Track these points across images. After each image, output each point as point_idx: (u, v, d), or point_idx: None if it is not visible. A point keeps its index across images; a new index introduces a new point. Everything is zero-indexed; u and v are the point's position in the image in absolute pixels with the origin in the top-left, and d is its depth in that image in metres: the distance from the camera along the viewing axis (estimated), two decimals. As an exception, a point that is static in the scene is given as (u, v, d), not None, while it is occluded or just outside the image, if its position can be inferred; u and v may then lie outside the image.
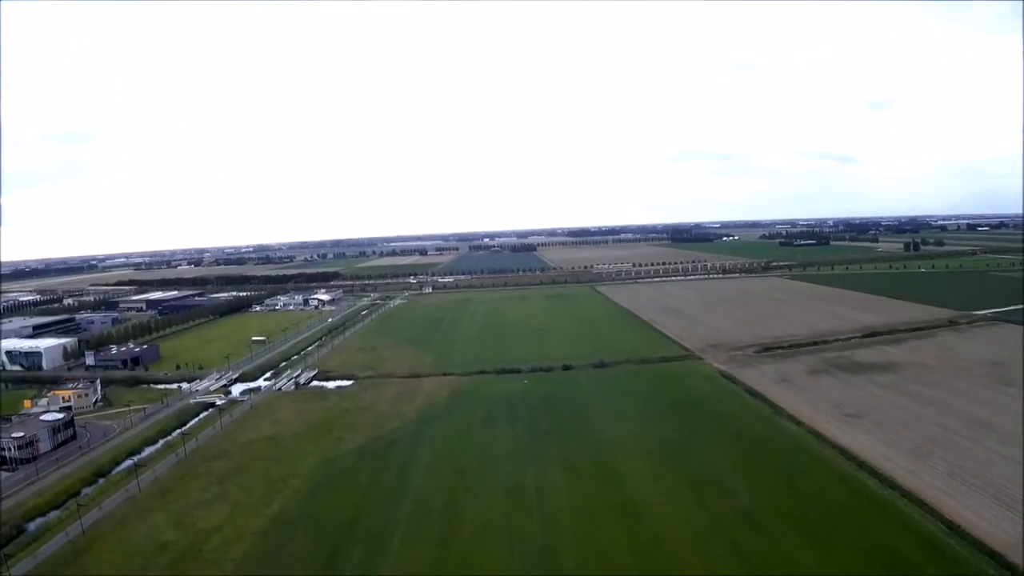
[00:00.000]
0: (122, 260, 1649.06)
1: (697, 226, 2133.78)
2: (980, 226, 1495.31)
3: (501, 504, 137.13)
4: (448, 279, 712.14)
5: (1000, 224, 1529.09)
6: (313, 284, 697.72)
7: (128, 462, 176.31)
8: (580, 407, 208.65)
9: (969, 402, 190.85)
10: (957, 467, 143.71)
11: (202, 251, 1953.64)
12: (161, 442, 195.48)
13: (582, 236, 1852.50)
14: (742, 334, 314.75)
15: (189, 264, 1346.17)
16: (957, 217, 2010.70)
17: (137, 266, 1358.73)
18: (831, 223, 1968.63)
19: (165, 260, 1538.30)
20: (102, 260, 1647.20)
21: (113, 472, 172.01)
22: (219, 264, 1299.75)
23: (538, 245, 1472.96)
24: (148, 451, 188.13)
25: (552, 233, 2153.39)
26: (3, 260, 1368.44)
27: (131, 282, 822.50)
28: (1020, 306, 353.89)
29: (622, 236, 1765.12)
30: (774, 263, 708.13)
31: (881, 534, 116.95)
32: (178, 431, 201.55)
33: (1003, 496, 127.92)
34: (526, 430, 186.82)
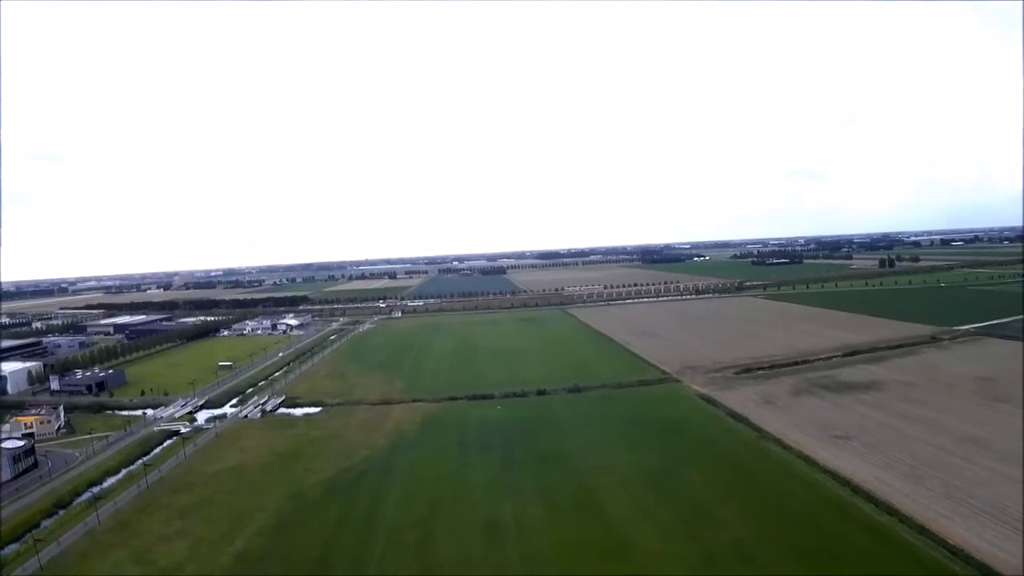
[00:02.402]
0: (93, 283, 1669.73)
1: (667, 247, 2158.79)
2: (954, 241, 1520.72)
3: (478, 540, 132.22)
4: (418, 303, 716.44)
5: (974, 239, 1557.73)
6: (282, 308, 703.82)
7: (89, 493, 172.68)
8: (557, 434, 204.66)
9: (961, 420, 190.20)
10: (955, 488, 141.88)
11: (172, 275, 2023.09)
12: (123, 472, 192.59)
13: (552, 258, 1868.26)
14: (720, 355, 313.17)
15: (159, 288, 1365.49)
16: (930, 233, 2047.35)
17: (107, 289, 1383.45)
18: (802, 241, 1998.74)
19: (135, 284, 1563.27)
20: (73, 283, 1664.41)
21: (74, 503, 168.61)
22: (188, 288, 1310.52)
23: (508, 268, 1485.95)
24: (110, 481, 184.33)
25: (521, 256, 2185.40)
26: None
27: (100, 305, 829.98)
28: (1007, 319, 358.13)
29: (592, 258, 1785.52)
30: (747, 283, 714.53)
31: (882, 563, 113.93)
32: (141, 460, 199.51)
33: (1005, 517, 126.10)
34: (501, 459, 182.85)
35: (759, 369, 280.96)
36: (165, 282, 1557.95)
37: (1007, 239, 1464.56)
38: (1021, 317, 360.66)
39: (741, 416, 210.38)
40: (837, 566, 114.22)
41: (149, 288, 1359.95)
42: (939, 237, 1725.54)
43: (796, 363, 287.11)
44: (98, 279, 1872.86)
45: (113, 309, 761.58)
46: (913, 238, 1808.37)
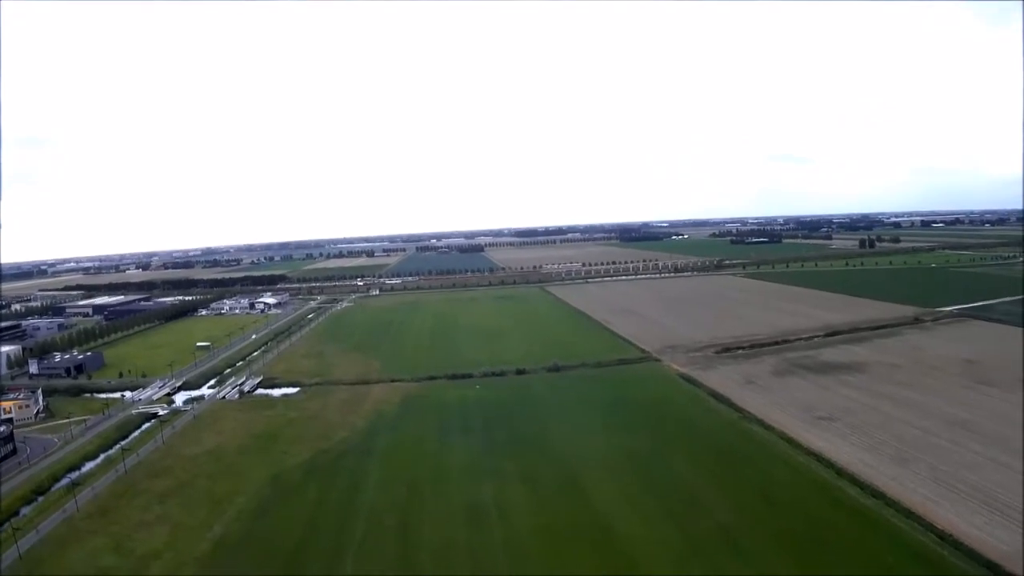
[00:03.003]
0: (72, 265, 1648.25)
1: (645, 225, 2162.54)
2: (935, 222, 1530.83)
3: (460, 524, 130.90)
4: (396, 281, 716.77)
5: (955, 220, 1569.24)
6: (260, 287, 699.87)
7: (67, 479, 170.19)
8: (537, 415, 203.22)
9: (947, 403, 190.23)
10: (942, 472, 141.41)
11: (151, 255, 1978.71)
12: (102, 456, 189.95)
13: (529, 236, 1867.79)
14: (700, 334, 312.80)
15: (137, 268, 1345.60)
16: (910, 214, 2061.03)
17: (87, 270, 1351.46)
18: (781, 221, 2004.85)
19: (114, 264, 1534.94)
20: (53, 265, 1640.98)
21: (52, 489, 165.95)
22: (167, 268, 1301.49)
23: (486, 245, 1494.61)
24: (88, 466, 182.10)
25: (499, 234, 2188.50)
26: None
27: (79, 287, 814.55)
28: (992, 301, 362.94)
29: (569, 236, 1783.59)
30: (726, 261, 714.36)
31: (870, 548, 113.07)
32: (119, 445, 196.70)
33: (994, 502, 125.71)
34: (481, 441, 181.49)
35: (740, 349, 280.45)
36: (144, 262, 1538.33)
37: (988, 222, 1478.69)
38: (1020, 298, 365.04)
39: (723, 396, 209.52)
40: (824, 551, 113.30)
41: (128, 268, 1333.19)
42: (920, 218, 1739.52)
43: (777, 343, 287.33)
44: (77, 260, 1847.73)
45: (92, 290, 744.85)
46: (893, 219, 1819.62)
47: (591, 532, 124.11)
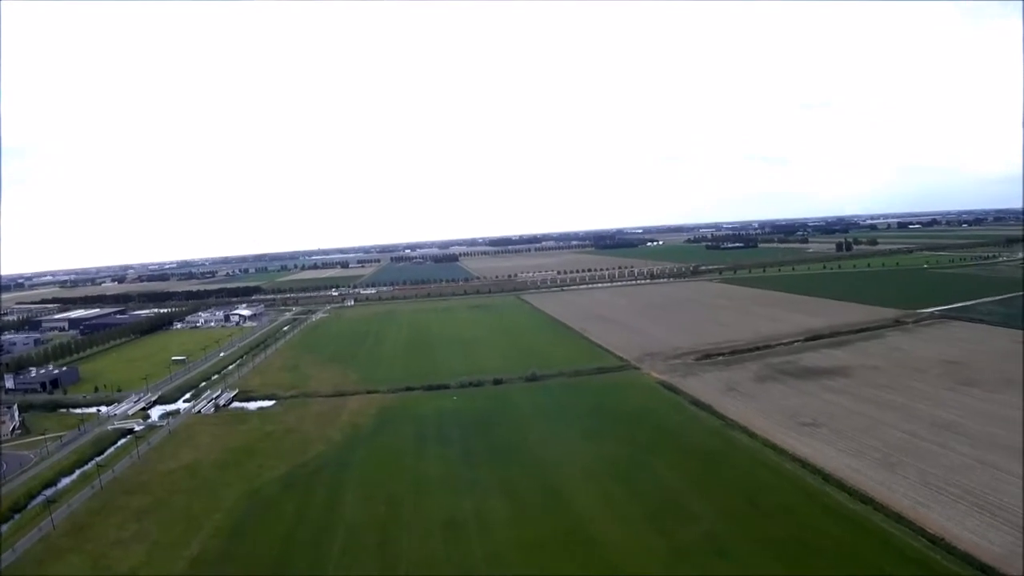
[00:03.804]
0: (49, 278, 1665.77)
1: (619, 232, 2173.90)
2: (911, 224, 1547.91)
3: (439, 538, 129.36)
4: (370, 291, 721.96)
5: (932, 222, 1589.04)
6: (235, 299, 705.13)
7: (43, 496, 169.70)
8: (516, 425, 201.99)
9: (931, 405, 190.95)
10: (930, 475, 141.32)
11: (127, 267, 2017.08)
12: (77, 473, 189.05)
13: (504, 245, 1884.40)
14: (679, 341, 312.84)
15: (113, 281, 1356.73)
16: (886, 216, 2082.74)
17: (63, 283, 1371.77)
18: (756, 225, 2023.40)
19: (90, 277, 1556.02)
20: (30, 278, 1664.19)
21: (29, 506, 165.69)
22: (143, 280, 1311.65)
23: (460, 255, 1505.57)
24: (64, 482, 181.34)
25: (473, 243, 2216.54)
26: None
27: (55, 300, 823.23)
28: (972, 302, 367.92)
29: (544, 244, 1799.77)
30: (703, 267, 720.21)
31: (861, 554, 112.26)
32: (94, 461, 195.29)
33: (985, 504, 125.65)
34: (460, 452, 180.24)
35: (719, 355, 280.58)
36: (120, 275, 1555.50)
37: (966, 222, 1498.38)
38: (1005, 298, 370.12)
39: (704, 404, 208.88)
40: (814, 558, 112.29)
41: (104, 281, 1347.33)
42: (896, 220, 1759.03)
43: (757, 348, 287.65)
44: (54, 274, 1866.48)
45: (68, 303, 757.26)
46: (869, 221, 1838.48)
47: (575, 544, 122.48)
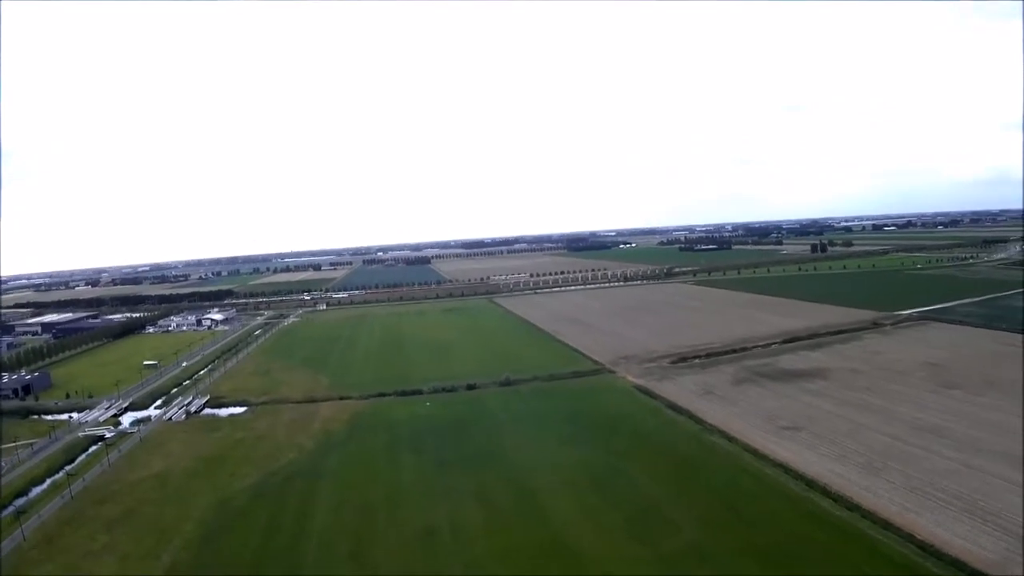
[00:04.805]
0: (24, 281, 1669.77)
1: (593, 235, 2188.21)
2: (886, 226, 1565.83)
3: (415, 548, 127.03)
4: (343, 295, 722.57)
5: (908, 223, 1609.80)
6: (206, 303, 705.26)
7: (13, 507, 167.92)
8: (490, 431, 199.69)
9: (914, 408, 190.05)
10: (916, 480, 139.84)
11: (100, 270, 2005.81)
12: (48, 481, 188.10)
13: (476, 247, 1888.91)
14: (654, 344, 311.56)
15: (87, 284, 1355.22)
16: (860, 218, 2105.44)
17: (37, 287, 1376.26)
18: (730, 228, 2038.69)
19: (64, 281, 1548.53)
20: (5, 282, 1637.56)
21: (1, 516, 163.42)
22: (116, 284, 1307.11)
23: (432, 257, 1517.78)
24: (36, 491, 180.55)
25: (446, 245, 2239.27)
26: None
27: (29, 304, 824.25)
28: (951, 304, 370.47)
29: (517, 247, 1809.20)
30: (676, 269, 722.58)
31: (849, 562, 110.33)
32: (65, 469, 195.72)
33: (974, 509, 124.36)
34: (434, 459, 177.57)
35: (696, 358, 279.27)
36: (93, 278, 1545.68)
37: (941, 224, 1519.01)
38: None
39: (681, 408, 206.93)
40: (800, 566, 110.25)
41: (78, 285, 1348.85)
42: (871, 222, 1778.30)
43: (734, 351, 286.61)
44: (29, 277, 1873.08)
45: (42, 307, 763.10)
46: (844, 223, 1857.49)
47: (555, 553, 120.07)
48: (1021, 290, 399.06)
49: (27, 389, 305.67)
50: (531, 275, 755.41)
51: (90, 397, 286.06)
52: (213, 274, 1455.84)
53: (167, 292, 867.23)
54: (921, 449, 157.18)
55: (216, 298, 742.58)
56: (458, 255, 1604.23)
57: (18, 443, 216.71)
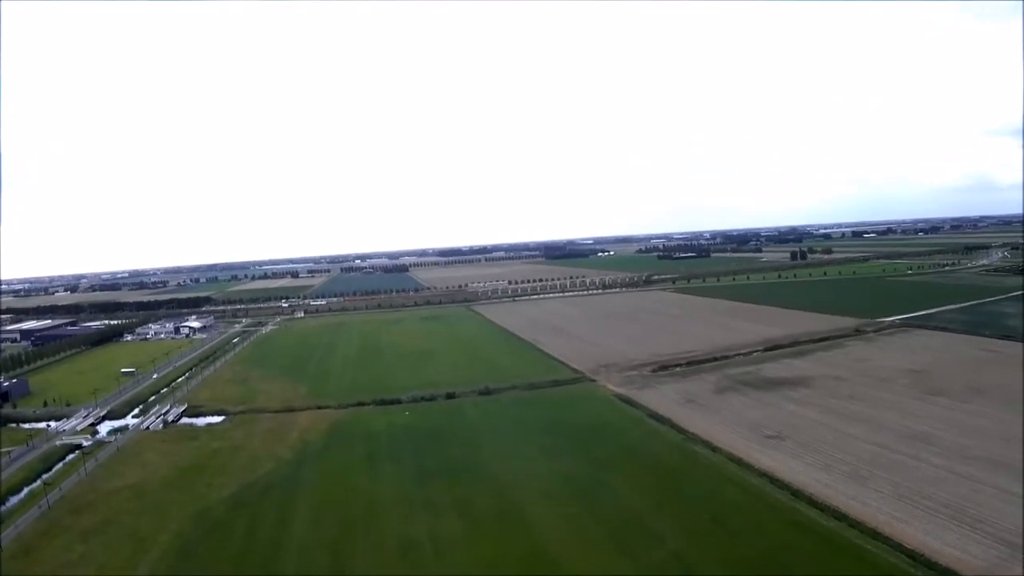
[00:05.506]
0: (4, 287, 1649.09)
1: (570, 243, 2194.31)
2: (866, 233, 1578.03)
3: (394, 560, 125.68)
4: (320, 302, 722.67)
5: (887, 230, 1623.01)
6: (185, 310, 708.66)
7: None
8: (470, 441, 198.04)
9: (899, 415, 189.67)
10: (904, 488, 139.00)
11: (79, 277, 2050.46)
12: (25, 491, 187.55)
13: (454, 255, 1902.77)
14: (634, 352, 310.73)
15: (66, 291, 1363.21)
16: (839, 225, 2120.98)
17: (16, 293, 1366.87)
18: (708, 236, 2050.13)
19: (43, 287, 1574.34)
20: None
21: None
22: (94, 290, 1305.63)
23: (410, 265, 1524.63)
24: (12, 501, 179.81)
25: (423, 253, 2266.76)
26: None
27: (8, 311, 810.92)
28: (933, 310, 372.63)
29: (494, 254, 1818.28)
30: (655, 276, 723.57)
31: (837, 572, 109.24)
32: (42, 478, 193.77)
33: (963, 517, 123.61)
34: (413, 470, 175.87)
35: (677, 366, 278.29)
36: (72, 285, 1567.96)
37: (922, 230, 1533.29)
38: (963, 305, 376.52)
39: (663, 417, 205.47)
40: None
41: (57, 291, 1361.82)
42: (850, 229, 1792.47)
43: (715, 359, 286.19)
44: (8, 283, 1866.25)
45: (20, 314, 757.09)
46: (823, 231, 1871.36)
47: (536, 565, 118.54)
48: (1008, 296, 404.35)
49: (5, 396, 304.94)
50: (509, 283, 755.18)
51: (68, 405, 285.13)
52: (192, 281, 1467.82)
53: (146, 299, 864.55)
54: (908, 457, 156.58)
55: (194, 305, 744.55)
56: (436, 263, 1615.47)
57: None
